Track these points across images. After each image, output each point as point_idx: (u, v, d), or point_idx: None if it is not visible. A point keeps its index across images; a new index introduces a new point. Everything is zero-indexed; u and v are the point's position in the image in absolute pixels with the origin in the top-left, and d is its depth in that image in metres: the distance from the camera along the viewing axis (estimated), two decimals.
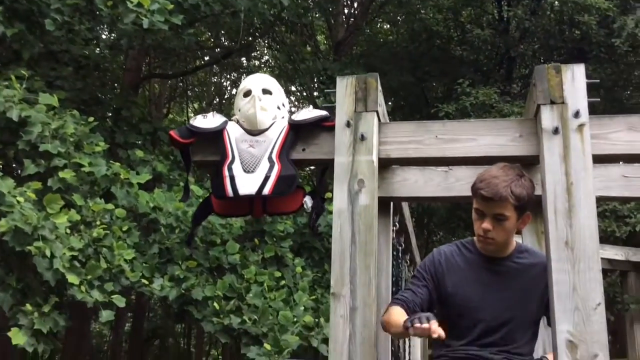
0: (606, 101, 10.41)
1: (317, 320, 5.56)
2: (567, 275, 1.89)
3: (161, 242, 5.63)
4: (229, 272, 5.77)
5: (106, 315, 4.88)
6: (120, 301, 4.97)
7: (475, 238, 2.16)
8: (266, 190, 2.25)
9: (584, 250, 1.90)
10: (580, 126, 2.01)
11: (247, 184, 2.26)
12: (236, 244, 5.85)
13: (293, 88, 14.71)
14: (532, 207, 2.28)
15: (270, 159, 2.28)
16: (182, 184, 6.39)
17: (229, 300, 5.48)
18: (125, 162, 6.34)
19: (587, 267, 1.89)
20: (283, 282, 5.94)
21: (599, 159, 2.15)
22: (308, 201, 2.42)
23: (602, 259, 8.21)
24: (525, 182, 2.01)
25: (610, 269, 9.03)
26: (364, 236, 2.10)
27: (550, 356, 1.98)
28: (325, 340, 5.16)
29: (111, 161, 5.75)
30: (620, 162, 2.53)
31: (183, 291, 5.30)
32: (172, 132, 2.38)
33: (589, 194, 1.95)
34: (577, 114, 2.02)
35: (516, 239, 2.21)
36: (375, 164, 2.19)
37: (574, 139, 1.99)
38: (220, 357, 30.54)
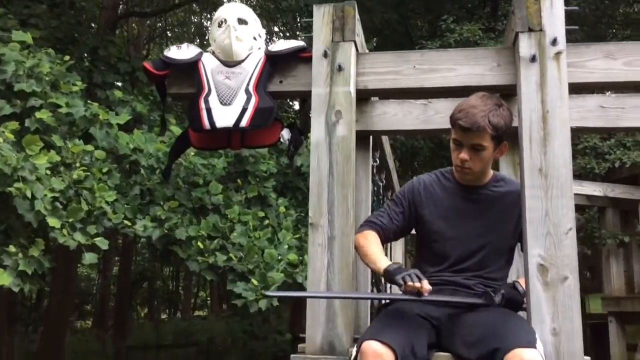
0: (590, 38, 10.32)
1: (301, 258, 5.64)
2: (540, 202, 1.93)
3: (142, 183, 5.60)
4: (212, 212, 5.79)
5: (89, 257, 4.90)
6: (103, 244, 4.97)
7: (453, 167, 2.19)
8: (243, 123, 2.23)
9: (557, 177, 1.93)
10: (558, 54, 2.00)
11: (224, 117, 2.24)
12: (219, 185, 5.84)
13: (276, 29, 14.39)
14: (509, 137, 2.30)
15: (247, 90, 2.25)
16: None
17: (213, 240, 5.52)
18: (103, 102, 6.23)
19: (560, 193, 1.92)
20: (267, 221, 5.97)
21: (576, 88, 2.16)
22: (285, 134, 2.41)
23: (580, 195, 8.41)
24: (503, 111, 2.01)
25: (589, 205, 9.24)
26: (341, 167, 2.11)
27: (522, 281, 2.04)
28: None
29: (89, 102, 5.65)
30: (598, 93, 2.54)
31: (166, 231, 5.32)
32: (146, 64, 2.33)
33: (564, 122, 1.96)
34: (554, 42, 2.01)
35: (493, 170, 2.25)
36: (353, 95, 2.17)
37: (551, 67, 1.99)
38: (208, 298, 31.20)
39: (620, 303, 9.38)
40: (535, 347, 1.69)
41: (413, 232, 2.37)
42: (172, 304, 29.80)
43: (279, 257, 5.56)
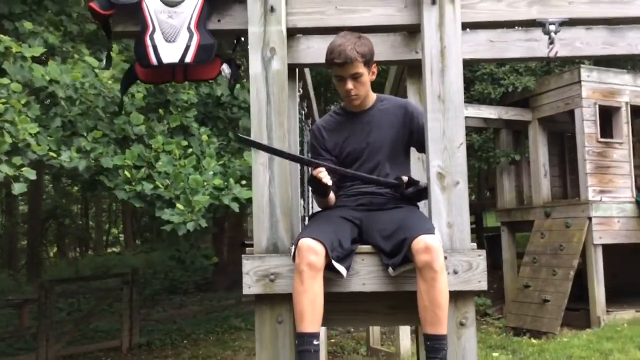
0: None
1: (226, 182, 5.97)
2: (439, 123, 2.39)
3: (63, 115, 5.62)
4: (136, 142, 5.92)
5: (19, 187, 4.96)
6: (30, 174, 5.05)
7: (342, 103, 2.67)
8: (188, 59, 2.50)
9: (452, 101, 2.39)
10: None
11: (169, 53, 2.49)
12: (140, 115, 5.95)
13: None
14: (414, 69, 2.73)
15: (189, 29, 2.51)
16: (76, 56, 6.26)
17: (139, 169, 5.70)
18: (12, 34, 6.06)
19: (454, 115, 2.39)
20: (190, 150, 6.21)
21: (469, 26, 2.60)
22: (226, 68, 2.70)
23: (478, 118, 9.29)
24: (364, 41, 2.48)
25: (485, 127, 10.13)
26: (277, 97, 2.47)
27: (404, 177, 2.54)
28: (235, 199, 5.63)
29: None
30: (487, 29, 3.01)
31: (92, 161, 5.43)
32: (92, 4, 2.50)
33: (458, 56, 2.41)
34: None
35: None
36: (284, 33, 2.49)
37: (448, 9, 2.40)
38: (120, 235, 30.80)
39: (511, 214, 10.54)
40: (434, 234, 2.20)
41: None
42: (83, 242, 29.25)
43: (205, 183, 5.84)
